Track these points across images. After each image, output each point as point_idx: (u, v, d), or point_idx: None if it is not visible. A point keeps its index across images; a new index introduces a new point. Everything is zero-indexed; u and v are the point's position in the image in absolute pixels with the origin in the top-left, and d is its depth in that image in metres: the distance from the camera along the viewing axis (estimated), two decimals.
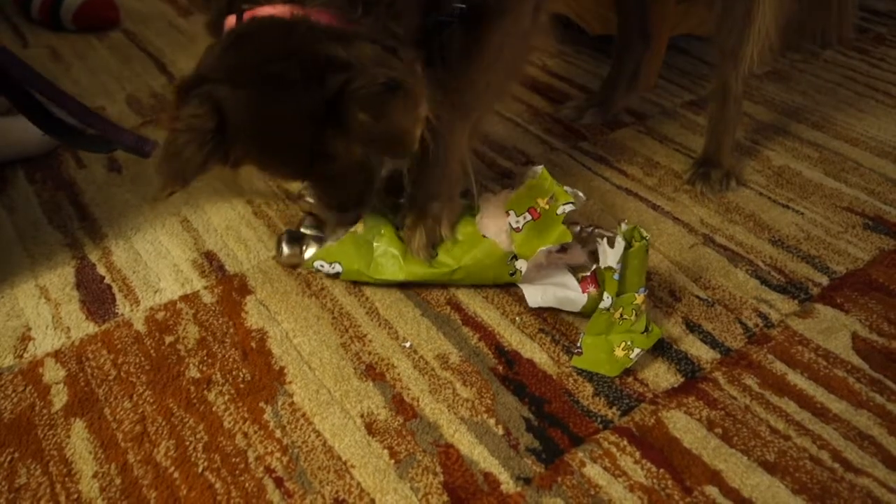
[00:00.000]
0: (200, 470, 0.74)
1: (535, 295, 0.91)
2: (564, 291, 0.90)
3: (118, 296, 0.95)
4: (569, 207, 0.89)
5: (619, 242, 0.85)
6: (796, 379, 0.83)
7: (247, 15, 0.77)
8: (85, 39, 1.65)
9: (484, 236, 0.92)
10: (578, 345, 0.86)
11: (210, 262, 1.00)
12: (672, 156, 1.23)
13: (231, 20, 0.79)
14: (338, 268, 0.95)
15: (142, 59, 1.57)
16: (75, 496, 0.71)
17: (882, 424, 0.78)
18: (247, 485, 0.72)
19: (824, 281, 0.97)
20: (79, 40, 1.65)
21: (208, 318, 0.91)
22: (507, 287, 0.95)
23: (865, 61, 1.53)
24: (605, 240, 0.87)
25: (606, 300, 0.86)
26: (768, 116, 1.34)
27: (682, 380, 0.83)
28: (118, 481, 0.73)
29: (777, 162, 1.21)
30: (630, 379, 0.83)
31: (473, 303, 0.93)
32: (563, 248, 0.91)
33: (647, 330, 0.84)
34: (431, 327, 0.90)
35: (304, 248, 0.98)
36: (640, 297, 0.84)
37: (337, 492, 0.71)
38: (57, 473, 0.74)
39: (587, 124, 1.32)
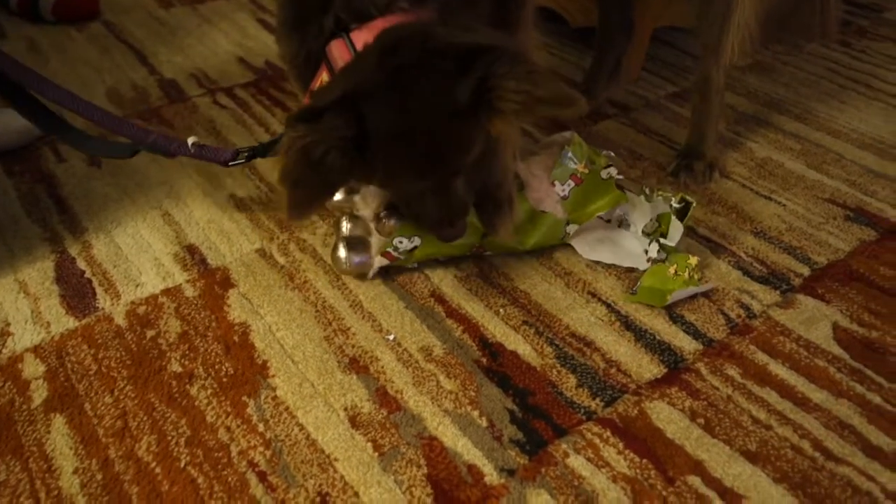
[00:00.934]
0: (183, 465, 0.73)
1: (589, 251, 0.98)
2: (620, 247, 0.98)
3: (98, 290, 0.94)
4: (613, 170, 0.96)
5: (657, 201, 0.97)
6: (778, 369, 0.84)
7: (362, 34, 0.77)
8: (64, 31, 1.63)
9: (543, 211, 0.96)
10: (634, 289, 0.93)
11: (192, 256, 1.00)
12: (656, 147, 1.23)
13: (339, 45, 0.79)
14: (417, 241, 0.93)
15: (122, 50, 1.56)
16: (55, 493, 0.71)
17: (862, 413, 0.78)
18: (230, 479, 0.72)
19: (806, 272, 0.97)
20: (58, 32, 1.63)
21: (190, 311, 0.91)
22: (491, 279, 0.95)
23: (847, 54, 1.54)
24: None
25: (659, 252, 0.95)
26: (751, 108, 1.35)
27: (665, 371, 0.83)
28: (99, 477, 0.72)
29: (759, 153, 1.22)
30: (613, 370, 0.83)
31: (457, 295, 0.93)
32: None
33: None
34: (415, 320, 0.90)
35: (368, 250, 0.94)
36: (693, 259, 0.94)
37: (320, 485, 0.71)
38: (37, 469, 0.73)
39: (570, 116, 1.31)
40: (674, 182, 1.14)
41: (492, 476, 0.72)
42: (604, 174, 0.97)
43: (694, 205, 0.97)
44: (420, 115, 0.75)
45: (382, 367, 0.83)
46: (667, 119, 1.32)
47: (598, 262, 0.98)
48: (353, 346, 0.86)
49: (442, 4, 0.79)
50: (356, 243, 0.94)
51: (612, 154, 0.99)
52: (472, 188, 0.88)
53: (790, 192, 1.13)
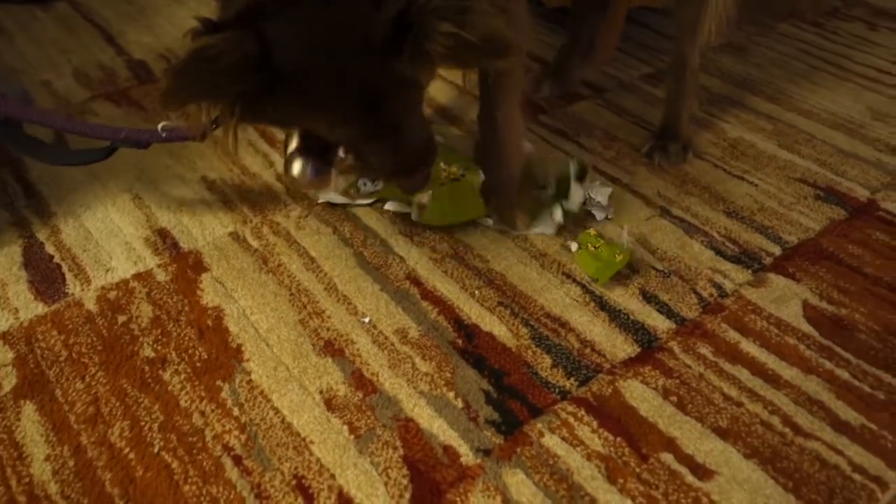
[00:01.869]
0: (157, 450, 0.73)
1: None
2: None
3: (68, 275, 0.93)
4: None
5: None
6: (749, 347, 0.85)
7: None
8: (28, 10, 1.59)
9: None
10: (592, 278, 0.93)
11: (163, 240, 0.98)
12: (630, 129, 1.24)
13: None
14: (380, 185, 0.91)
15: (88, 30, 1.52)
16: (27, 480, 0.70)
17: (830, 389, 0.80)
18: (204, 464, 0.71)
19: (777, 251, 0.98)
20: (21, 11, 1.59)
21: (162, 296, 0.90)
22: (466, 261, 0.95)
23: (819, 34, 1.55)
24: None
25: (573, 245, 0.97)
26: (724, 89, 1.36)
27: (638, 350, 0.84)
28: (71, 464, 0.71)
29: (732, 134, 1.23)
30: (588, 350, 0.84)
31: (433, 277, 0.93)
32: None
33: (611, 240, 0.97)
34: (390, 302, 0.89)
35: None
36: (591, 231, 0.97)
37: (296, 468, 0.71)
38: (7, 457, 0.72)
39: (545, 97, 1.31)
40: (648, 162, 1.15)
41: (468, 456, 0.72)
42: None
43: (589, 170, 1.03)
44: (330, 50, 0.68)
45: (358, 349, 0.83)
46: (641, 100, 1.32)
47: (572, 243, 0.98)
48: (327, 330, 0.86)
49: None
50: (313, 154, 0.87)
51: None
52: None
53: (762, 172, 1.14)
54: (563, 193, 1.01)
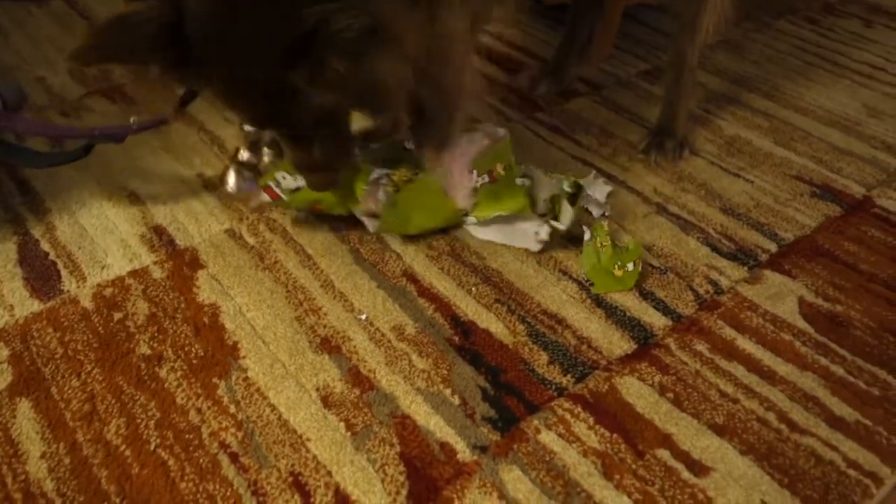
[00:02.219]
0: (153, 447, 0.72)
1: (482, 231, 0.98)
2: (514, 228, 0.96)
3: (63, 272, 0.92)
4: (527, 181, 0.96)
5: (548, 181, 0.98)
6: (745, 343, 0.85)
7: None
8: (23, 7, 1.59)
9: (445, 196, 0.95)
10: (587, 279, 0.92)
11: (159, 237, 0.98)
12: (627, 126, 1.24)
13: None
14: (301, 182, 0.90)
15: (83, 26, 1.51)
16: (23, 477, 0.70)
17: (826, 386, 0.80)
18: (201, 461, 0.71)
19: (773, 248, 0.99)
20: (17, 8, 1.58)
21: (158, 293, 0.90)
22: (463, 258, 0.95)
23: (815, 31, 1.56)
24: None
25: (587, 233, 0.95)
26: (720, 86, 1.36)
27: (635, 346, 0.84)
28: (67, 461, 0.71)
29: (728, 131, 1.23)
30: (584, 347, 0.84)
31: (429, 274, 0.93)
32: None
33: (626, 249, 0.94)
34: (387, 299, 0.89)
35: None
36: (605, 224, 0.95)
37: (293, 465, 0.71)
38: (2, 455, 0.72)
39: (542, 94, 1.31)
40: (644, 159, 1.15)
41: (464, 453, 0.72)
42: (518, 181, 0.96)
43: (584, 190, 0.97)
44: (238, 38, 0.67)
45: (354, 346, 0.83)
46: (638, 97, 1.32)
47: (569, 240, 0.98)
48: (324, 327, 0.86)
49: None
50: (248, 169, 0.93)
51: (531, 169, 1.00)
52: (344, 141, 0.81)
53: (758, 169, 1.14)
54: (553, 212, 0.98)
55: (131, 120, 0.99)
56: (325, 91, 0.68)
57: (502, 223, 0.97)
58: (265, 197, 0.94)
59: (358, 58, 0.62)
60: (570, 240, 0.98)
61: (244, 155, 0.93)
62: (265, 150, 0.92)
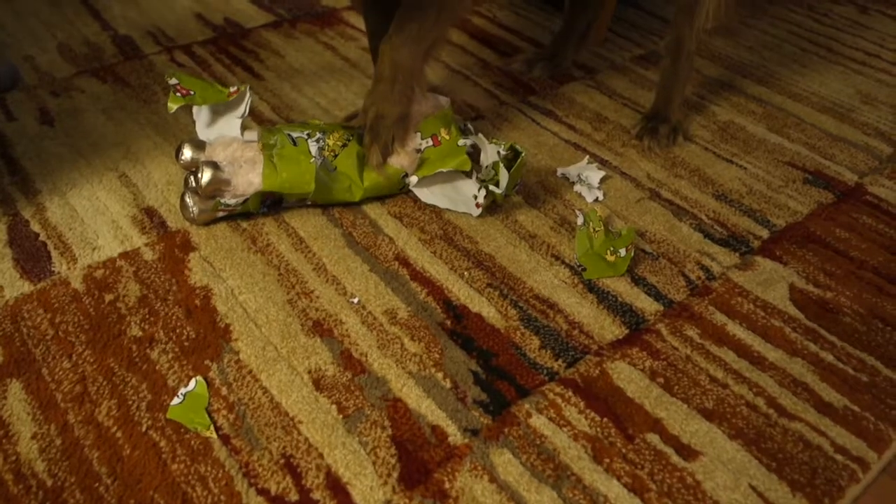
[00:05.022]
0: (144, 429, 0.72)
1: (428, 195, 1.01)
2: (457, 192, 1.00)
3: (54, 253, 0.92)
4: (468, 142, 0.99)
5: (491, 148, 1.00)
6: (735, 329, 0.85)
7: None
8: None
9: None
10: (579, 264, 0.93)
11: (151, 219, 0.97)
12: (620, 110, 1.23)
13: None
14: (242, 199, 0.93)
15: (73, 4, 1.49)
16: (13, 458, 0.70)
17: (815, 371, 0.81)
18: (192, 443, 0.71)
19: (765, 234, 0.99)
20: None
21: (150, 275, 0.89)
22: (455, 242, 0.95)
23: (810, 17, 1.55)
24: (485, 144, 1.00)
25: (580, 218, 0.96)
26: (715, 71, 1.35)
27: (626, 332, 0.85)
28: (58, 442, 0.71)
29: (722, 117, 1.23)
30: (576, 331, 0.84)
31: (422, 258, 0.93)
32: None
33: (619, 234, 0.95)
34: (380, 283, 0.89)
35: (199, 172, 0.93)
36: (598, 210, 0.98)
37: (284, 447, 0.71)
38: None
39: (536, 78, 1.31)
40: (638, 144, 1.15)
41: (455, 436, 0.73)
42: (460, 143, 0.99)
43: (524, 154, 0.98)
44: None
45: (346, 330, 0.83)
46: (632, 82, 1.32)
47: (562, 225, 0.98)
48: (316, 310, 0.85)
49: None
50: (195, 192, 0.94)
51: (446, 100, 1.03)
52: None
53: (751, 155, 1.14)
54: (494, 178, 0.99)
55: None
56: None
57: (446, 185, 1.00)
58: (219, 213, 0.96)
59: None
60: (563, 224, 0.98)
61: (191, 180, 0.95)
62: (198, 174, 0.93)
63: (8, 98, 1.20)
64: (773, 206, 1.04)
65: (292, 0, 1.55)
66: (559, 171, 1.07)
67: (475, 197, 0.98)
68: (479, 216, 0.99)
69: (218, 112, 0.98)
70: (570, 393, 0.77)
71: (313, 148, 0.95)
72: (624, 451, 0.72)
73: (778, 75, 1.35)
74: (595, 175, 1.06)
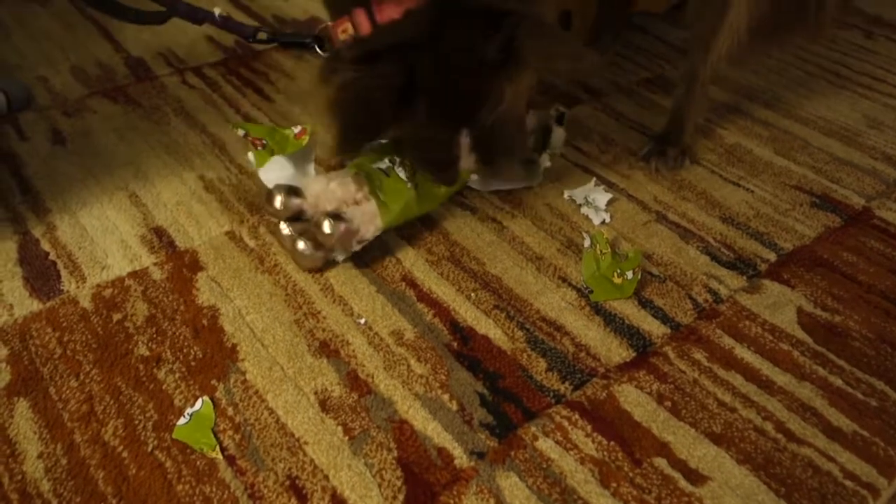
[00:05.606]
0: (150, 449, 0.72)
1: (485, 184, 1.06)
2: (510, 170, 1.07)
3: (63, 272, 0.92)
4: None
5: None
6: (743, 353, 0.85)
7: (386, 10, 0.82)
8: (27, 6, 1.59)
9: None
10: (586, 286, 0.93)
11: (160, 238, 0.98)
12: (627, 133, 1.24)
13: (361, 16, 0.83)
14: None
15: (86, 27, 1.52)
16: (19, 477, 0.70)
17: (824, 396, 0.80)
18: (198, 463, 0.71)
19: (772, 257, 0.99)
20: (20, 6, 1.58)
21: (158, 294, 0.90)
22: (462, 263, 0.95)
23: (816, 42, 1.56)
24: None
25: (587, 240, 0.97)
26: (721, 95, 1.36)
27: (633, 354, 0.84)
28: (64, 461, 0.71)
29: (729, 140, 1.23)
30: (583, 354, 0.84)
31: (428, 279, 0.93)
32: None
33: (625, 257, 0.96)
34: (386, 303, 0.89)
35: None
36: (604, 232, 0.99)
37: (290, 469, 0.71)
38: (0, 454, 0.72)
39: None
40: (645, 166, 1.15)
41: (461, 459, 0.72)
42: None
43: (567, 112, 1.11)
44: (457, 68, 0.84)
45: (353, 350, 0.83)
46: (639, 105, 1.32)
47: (569, 247, 0.98)
48: (323, 330, 0.86)
49: None
50: (310, 236, 0.92)
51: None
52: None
53: (758, 178, 1.14)
54: (544, 141, 1.09)
55: (216, 12, 1.17)
56: (534, 70, 0.87)
57: (499, 174, 1.06)
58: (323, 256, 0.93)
59: (551, 36, 0.84)
60: (570, 246, 0.99)
61: (287, 229, 0.93)
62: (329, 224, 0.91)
63: (21, 118, 1.21)
64: (780, 229, 1.04)
65: (303, 23, 1.56)
66: (566, 193, 1.08)
67: (538, 164, 1.07)
68: (487, 238, 0.99)
69: (294, 160, 0.99)
70: (577, 416, 0.77)
71: (402, 173, 0.96)
72: (631, 475, 0.72)
73: (784, 99, 1.35)
74: (602, 197, 1.06)
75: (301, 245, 0.91)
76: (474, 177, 1.05)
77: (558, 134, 1.09)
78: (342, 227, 0.89)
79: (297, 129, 1.00)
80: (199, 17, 1.17)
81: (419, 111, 0.86)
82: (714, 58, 1.10)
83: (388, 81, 0.82)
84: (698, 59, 1.12)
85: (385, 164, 0.97)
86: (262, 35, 1.20)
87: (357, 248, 0.93)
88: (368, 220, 0.92)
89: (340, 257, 0.94)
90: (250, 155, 1.00)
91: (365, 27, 0.84)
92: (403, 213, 0.95)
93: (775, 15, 1.08)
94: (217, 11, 1.15)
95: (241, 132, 0.99)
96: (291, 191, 0.92)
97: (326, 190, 0.93)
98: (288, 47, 1.29)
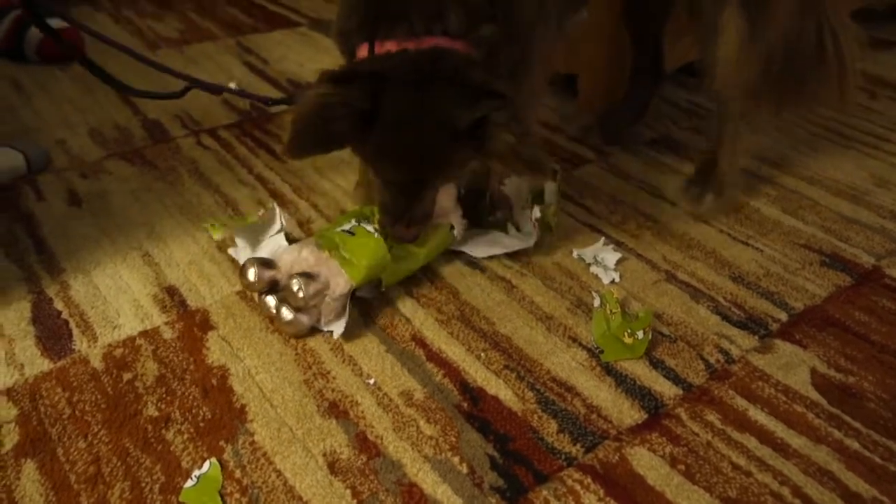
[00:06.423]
0: None
1: (481, 250, 1.07)
2: (502, 236, 1.09)
3: (75, 331, 0.93)
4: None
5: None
6: (757, 414, 0.84)
7: (385, 46, 0.85)
8: (48, 71, 1.64)
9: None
10: (597, 346, 0.92)
11: (171, 297, 0.99)
12: (635, 193, 1.25)
13: (363, 49, 0.87)
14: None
15: (105, 90, 1.55)
16: None
17: (840, 460, 0.79)
18: None
19: (783, 317, 0.98)
20: (41, 71, 1.63)
21: (168, 354, 0.90)
22: (472, 323, 0.95)
23: (845, 112, 1.57)
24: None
25: (597, 300, 0.98)
26: None
27: (645, 416, 0.83)
28: None
29: (751, 203, 1.24)
30: (594, 416, 0.83)
31: (438, 338, 0.93)
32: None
33: (636, 316, 0.96)
34: (396, 363, 0.89)
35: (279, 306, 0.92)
36: (615, 292, 0.99)
37: None
38: None
39: (590, 143, 1.37)
40: (653, 227, 1.16)
41: None
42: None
43: (559, 169, 1.13)
44: (424, 120, 0.84)
45: (362, 411, 0.83)
46: (646, 164, 1.34)
47: (578, 306, 0.98)
48: (332, 390, 0.85)
49: (476, 42, 0.87)
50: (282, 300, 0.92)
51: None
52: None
53: (767, 237, 1.14)
54: (537, 199, 1.10)
55: (232, 85, 1.33)
56: (494, 159, 0.88)
57: (493, 238, 1.08)
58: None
59: (521, 135, 0.83)
60: (579, 306, 0.98)
61: (271, 301, 0.93)
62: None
63: (39, 179, 1.24)
64: (790, 288, 1.04)
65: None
66: (575, 252, 1.08)
67: (532, 219, 1.06)
68: (497, 297, 1.00)
69: (257, 232, 1.02)
70: (589, 479, 0.76)
71: (369, 227, 0.98)
72: None
73: (791, 158, 1.36)
74: (611, 257, 1.06)
75: (284, 312, 0.91)
76: (467, 242, 1.06)
77: (550, 188, 1.10)
78: (311, 285, 0.90)
79: (260, 213, 1.03)
80: (216, 90, 1.28)
81: (371, 143, 0.86)
82: (719, 86, 1.12)
83: (351, 101, 0.81)
84: (720, 96, 1.16)
85: (351, 224, 0.99)
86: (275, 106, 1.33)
87: (336, 306, 0.92)
88: (336, 273, 0.92)
89: (330, 326, 0.93)
90: (208, 228, 1.03)
91: (363, 55, 0.87)
92: (377, 266, 0.95)
93: (787, 61, 1.10)
94: (233, 86, 1.22)
95: (216, 236, 1.04)
96: (264, 263, 0.94)
97: (299, 258, 0.94)
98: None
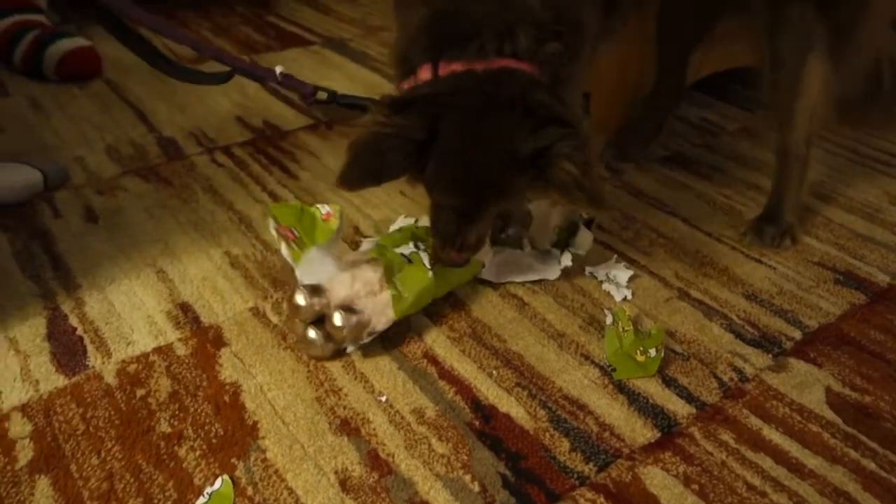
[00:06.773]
0: None
1: (500, 275, 1.05)
2: (522, 265, 1.06)
3: (90, 347, 0.94)
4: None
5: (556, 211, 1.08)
6: (772, 434, 0.83)
7: (451, 66, 0.82)
8: (66, 89, 1.66)
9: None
10: (609, 364, 0.92)
11: (185, 314, 0.99)
12: (647, 210, 1.25)
13: (426, 70, 0.84)
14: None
15: (122, 108, 1.58)
16: None
17: (857, 480, 0.78)
18: None
19: (797, 335, 0.98)
20: (60, 89, 1.66)
21: (181, 370, 0.90)
22: (484, 340, 0.95)
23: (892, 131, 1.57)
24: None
25: (609, 317, 0.98)
26: (740, 172, 1.37)
27: (658, 435, 0.83)
28: None
29: (749, 216, 1.23)
30: (607, 434, 0.83)
31: (450, 356, 0.93)
32: None
33: (648, 334, 0.95)
34: (408, 381, 0.89)
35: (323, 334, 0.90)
36: (627, 310, 0.98)
37: None
38: None
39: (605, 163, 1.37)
40: (665, 244, 1.16)
41: None
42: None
43: (595, 218, 1.09)
44: (484, 147, 0.82)
45: (374, 429, 0.83)
46: (658, 182, 1.34)
47: (591, 324, 0.98)
48: (344, 408, 0.85)
49: (541, 60, 0.84)
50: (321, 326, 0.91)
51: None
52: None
53: (780, 255, 1.14)
54: (568, 239, 1.07)
55: (277, 71, 1.19)
56: (553, 190, 0.84)
57: (514, 265, 1.06)
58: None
59: (585, 166, 0.80)
60: (592, 323, 0.98)
61: (311, 333, 0.91)
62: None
63: (56, 196, 1.25)
64: (804, 306, 1.03)
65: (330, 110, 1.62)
66: (587, 269, 1.08)
67: (559, 262, 1.05)
68: (508, 315, 1.00)
69: (331, 248, 0.95)
70: (602, 499, 0.75)
71: (425, 259, 0.96)
72: None
73: None
74: (623, 274, 1.06)
75: (312, 334, 0.90)
76: (489, 268, 1.04)
77: (585, 235, 1.06)
78: (353, 319, 0.89)
79: (324, 211, 0.96)
80: (258, 74, 1.22)
81: (428, 170, 0.84)
82: (801, 133, 1.12)
83: (405, 133, 0.79)
84: (785, 135, 1.14)
85: (409, 248, 0.98)
86: (321, 95, 1.21)
87: (367, 339, 0.91)
88: (380, 310, 0.91)
89: (350, 348, 0.92)
90: (283, 250, 0.94)
91: (425, 76, 0.83)
92: (418, 303, 0.94)
93: (855, 97, 1.10)
94: (279, 70, 1.18)
95: (271, 225, 0.94)
96: (314, 291, 0.90)
97: (350, 292, 0.91)
98: (346, 108, 1.24)
